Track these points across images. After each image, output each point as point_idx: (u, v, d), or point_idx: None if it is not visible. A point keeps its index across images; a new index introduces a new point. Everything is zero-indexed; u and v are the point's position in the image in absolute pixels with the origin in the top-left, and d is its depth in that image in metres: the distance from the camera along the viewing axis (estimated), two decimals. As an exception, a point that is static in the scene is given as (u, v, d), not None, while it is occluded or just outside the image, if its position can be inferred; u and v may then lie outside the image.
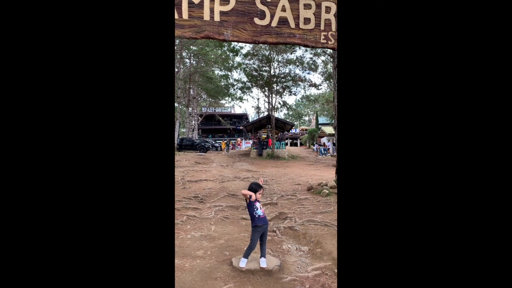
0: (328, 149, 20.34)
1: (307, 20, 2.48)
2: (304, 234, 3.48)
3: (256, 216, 2.33)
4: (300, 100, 38.05)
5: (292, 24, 2.44)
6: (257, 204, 2.36)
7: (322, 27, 2.49)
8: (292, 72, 18.49)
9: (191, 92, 21.71)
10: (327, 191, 5.56)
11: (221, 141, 22.29)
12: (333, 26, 2.40)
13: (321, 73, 20.01)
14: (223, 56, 18.79)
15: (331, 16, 2.41)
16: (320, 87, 20.86)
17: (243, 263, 2.39)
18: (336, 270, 2.45)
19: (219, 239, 3.23)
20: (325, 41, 2.43)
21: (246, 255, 2.41)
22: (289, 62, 17.82)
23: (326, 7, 2.41)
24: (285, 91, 19.06)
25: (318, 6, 2.41)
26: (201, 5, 2.22)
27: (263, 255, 2.44)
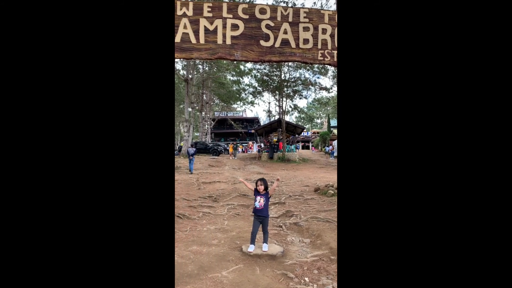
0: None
1: (306, 41, 2.89)
2: (307, 229, 3.85)
3: (254, 207, 2.90)
4: (311, 103, 38.13)
5: (293, 44, 2.86)
6: (258, 198, 2.88)
7: (319, 46, 2.89)
8: (303, 76, 18.86)
9: (204, 97, 22.50)
10: (332, 192, 5.90)
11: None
12: (329, 45, 2.81)
13: (332, 77, 20.27)
14: (235, 62, 19.40)
15: (327, 37, 2.83)
16: (331, 90, 21.14)
17: (251, 249, 2.85)
18: (332, 257, 2.82)
19: (231, 232, 3.66)
20: (322, 58, 2.83)
21: (251, 241, 2.89)
22: (299, 66, 18.16)
23: (323, 29, 2.83)
24: (296, 95, 19.38)
25: (316, 28, 2.83)
26: (215, 31, 2.70)
27: (264, 241, 2.91)
